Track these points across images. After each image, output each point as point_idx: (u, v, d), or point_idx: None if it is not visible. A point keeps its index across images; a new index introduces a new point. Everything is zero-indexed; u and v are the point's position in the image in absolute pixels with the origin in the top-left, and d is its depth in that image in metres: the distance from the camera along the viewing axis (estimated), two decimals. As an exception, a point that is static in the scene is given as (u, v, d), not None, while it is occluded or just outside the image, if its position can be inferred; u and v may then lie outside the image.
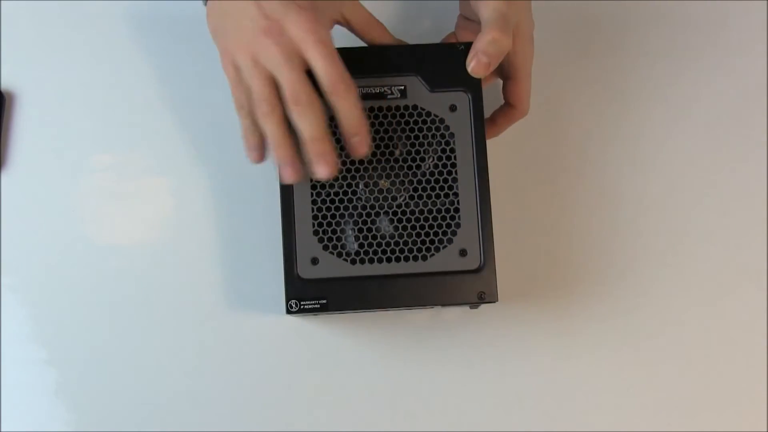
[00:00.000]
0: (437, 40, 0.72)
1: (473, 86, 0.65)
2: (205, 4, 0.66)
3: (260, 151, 0.63)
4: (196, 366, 0.67)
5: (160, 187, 0.72)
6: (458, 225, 0.63)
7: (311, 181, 0.63)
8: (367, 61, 0.66)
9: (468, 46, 0.65)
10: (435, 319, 0.69)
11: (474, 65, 0.64)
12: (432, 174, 0.64)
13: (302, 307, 0.61)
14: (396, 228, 0.63)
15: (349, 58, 0.63)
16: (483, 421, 0.67)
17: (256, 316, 0.69)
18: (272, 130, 0.60)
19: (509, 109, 0.70)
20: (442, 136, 0.65)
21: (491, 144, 0.66)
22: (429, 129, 0.65)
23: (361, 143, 0.61)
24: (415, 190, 0.64)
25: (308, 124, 0.60)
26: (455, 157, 0.64)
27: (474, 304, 0.63)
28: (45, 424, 0.65)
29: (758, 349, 0.69)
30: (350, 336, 0.69)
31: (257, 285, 0.68)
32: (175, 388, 0.67)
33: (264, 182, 0.71)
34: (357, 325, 0.69)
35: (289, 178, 0.61)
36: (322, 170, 0.60)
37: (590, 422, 0.67)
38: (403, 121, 0.65)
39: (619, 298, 0.70)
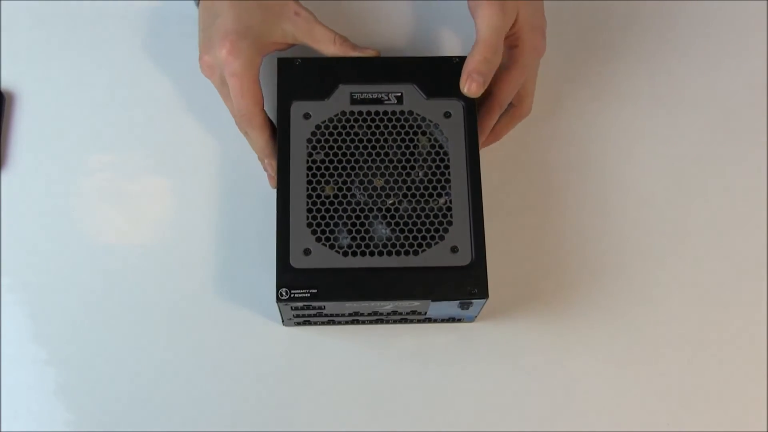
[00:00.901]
0: (436, 42, 0.73)
1: (467, 95, 0.67)
2: (197, 5, 0.68)
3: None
4: (196, 366, 0.67)
5: (159, 187, 0.72)
6: (450, 223, 0.64)
7: (308, 176, 0.64)
8: (367, 70, 0.68)
9: (462, 59, 0.67)
10: (429, 324, 0.69)
11: (468, 87, 0.65)
12: (426, 174, 0.65)
13: (293, 295, 0.62)
14: (389, 224, 0.64)
15: (350, 65, 0.67)
16: (481, 423, 0.67)
17: (257, 318, 0.69)
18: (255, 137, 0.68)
19: (511, 108, 0.70)
20: (437, 140, 0.66)
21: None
22: (424, 133, 0.66)
23: (270, 167, 0.69)
24: (409, 188, 0.65)
25: (251, 143, 0.69)
26: (449, 159, 0.66)
27: (464, 302, 0.63)
28: (45, 424, 0.66)
29: (758, 349, 0.69)
30: (346, 341, 0.69)
31: (258, 286, 0.68)
32: (175, 388, 0.67)
33: (264, 182, 0.71)
34: (354, 331, 0.69)
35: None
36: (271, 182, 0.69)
37: (588, 422, 0.67)
38: (399, 125, 0.66)
39: (616, 297, 0.70)
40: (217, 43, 0.65)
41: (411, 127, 0.67)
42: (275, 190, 0.64)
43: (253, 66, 0.65)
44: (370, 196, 0.65)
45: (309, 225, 0.63)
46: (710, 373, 0.69)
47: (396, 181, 0.65)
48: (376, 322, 0.68)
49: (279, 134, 0.66)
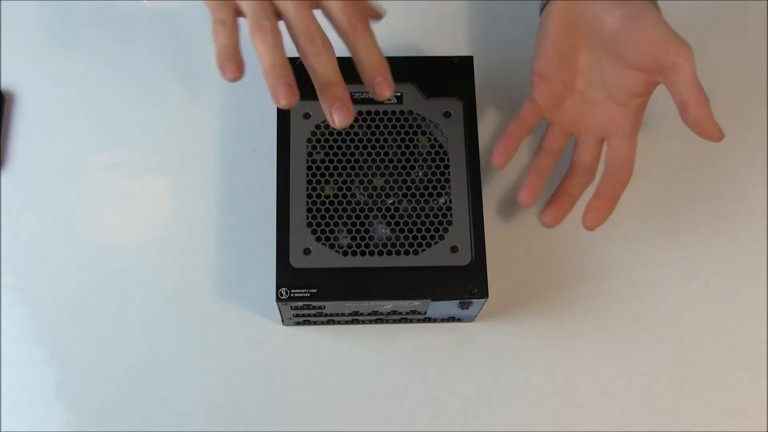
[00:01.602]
0: (436, 42, 0.73)
1: (467, 95, 0.67)
2: None
3: (239, 63, 0.55)
4: (196, 366, 0.68)
5: (159, 186, 0.73)
6: (450, 223, 0.64)
7: (308, 176, 0.64)
8: None
9: (461, 59, 0.67)
10: (429, 324, 0.69)
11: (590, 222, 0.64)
12: (425, 174, 0.65)
13: (292, 295, 0.62)
14: (389, 224, 0.64)
15: (349, 66, 0.64)
16: (481, 423, 0.67)
17: (257, 318, 0.69)
18: (269, 50, 0.55)
19: (618, 171, 0.65)
20: (436, 140, 0.66)
21: (485, 144, 0.67)
22: (423, 133, 0.66)
23: (383, 84, 0.56)
24: (409, 188, 0.65)
25: (321, 65, 0.55)
26: (448, 159, 0.66)
27: (464, 302, 0.63)
28: (45, 424, 0.66)
29: (758, 349, 0.69)
30: (346, 340, 0.69)
31: (258, 286, 0.68)
32: (175, 387, 0.67)
33: (263, 182, 0.71)
34: (354, 330, 0.69)
35: (285, 98, 0.55)
36: (340, 119, 0.55)
37: (588, 422, 0.67)
38: (398, 125, 0.67)
39: (615, 297, 0.71)
40: None
41: (411, 127, 0.67)
42: (275, 190, 0.64)
43: None
44: (370, 196, 0.65)
45: (309, 225, 0.64)
46: (710, 373, 0.69)
47: (396, 181, 0.65)
48: (376, 321, 0.68)
49: (279, 134, 0.66)
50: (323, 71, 0.55)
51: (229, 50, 0.55)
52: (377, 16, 0.61)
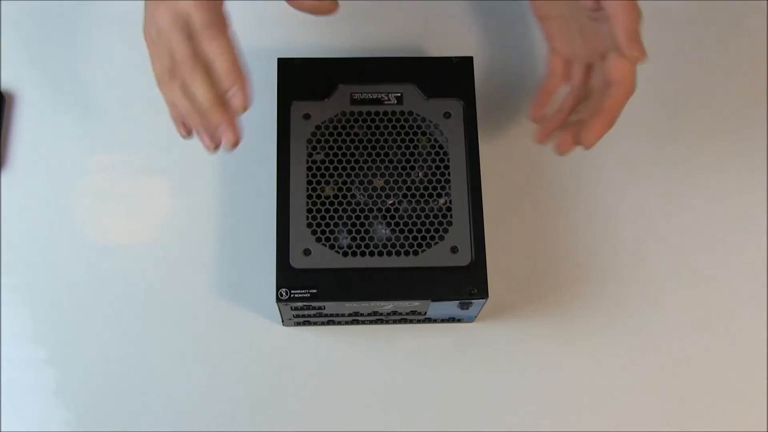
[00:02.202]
0: (436, 42, 0.73)
1: (467, 95, 0.67)
2: None
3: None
4: (196, 366, 0.68)
5: (159, 187, 0.73)
6: (450, 223, 0.64)
7: (308, 176, 0.64)
8: (366, 70, 0.68)
9: (461, 59, 0.67)
10: (429, 324, 0.69)
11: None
12: (425, 175, 0.65)
13: (292, 295, 0.62)
14: (389, 224, 0.64)
15: (349, 66, 0.68)
16: (481, 423, 0.67)
17: (257, 318, 0.69)
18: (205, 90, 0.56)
19: (615, 86, 0.63)
20: (437, 140, 0.66)
21: (485, 145, 0.67)
22: (424, 133, 0.66)
23: (240, 96, 0.56)
24: (409, 189, 0.65)
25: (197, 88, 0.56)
26: (448, 159, 0.66)
27: (464, 302, 0.63)
28: (45, 424, 0.66)
29: (758, 349, 0.69)
30: (346, 341, 0.69)
31: (258, 286, 0.68)
32: (176, 387, 0.67)
33: (263, 182, 0.71)
34: (354, 331, 0.69)
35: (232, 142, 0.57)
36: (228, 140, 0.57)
37: (588, 422, 0.67)
38: (399, 125, 0.66)
39: (615, 297, 0.71)
40: None
41: (411, 127, 0.67)
42: (275, 191, 0.64)
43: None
44: (370, 196, 0.65)
45: (309, 225, 0.63)
46: (710, 373, 0.69)
47: (396, 181, 0.65)
48: (376, 322, 0.68)
49: (279, 134, 0.66)
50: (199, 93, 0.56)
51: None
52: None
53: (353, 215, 0.64)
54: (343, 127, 0.66)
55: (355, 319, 0.67)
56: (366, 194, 0.65)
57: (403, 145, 0.66)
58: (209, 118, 0.57)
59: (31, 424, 0.66)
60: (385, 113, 0.67)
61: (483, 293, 0.63)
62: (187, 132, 0.60)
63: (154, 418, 0.66)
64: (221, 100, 0.56)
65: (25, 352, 0.67)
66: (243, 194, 0.72)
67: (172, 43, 0.56)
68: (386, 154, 0.66)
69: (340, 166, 0.65)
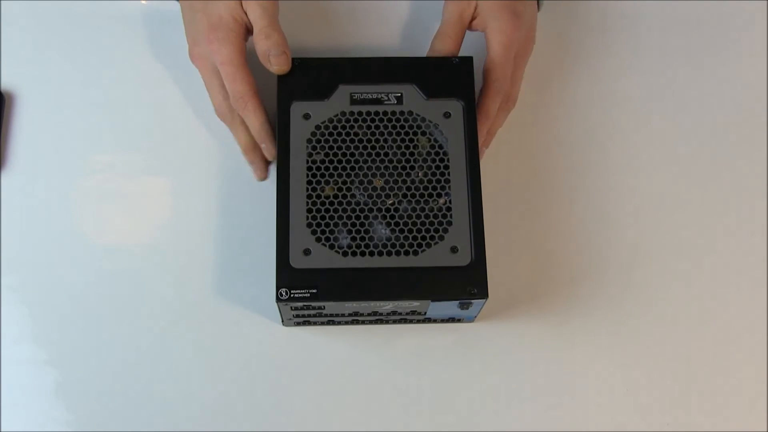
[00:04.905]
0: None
1: (467, 95, 0.67)
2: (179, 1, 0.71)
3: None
4: (196, 366, 0.68)
5: (159, 187, 0.73)
6: (450, 223, 0.64)
7: (308, 176, 0.64)
8: (367, 70, 0.68)
9: (461, 59, 0.67)
10: (429, 324, 0.69)
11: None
12: (425, 175, 0.65)
13: (292, 295, 0.62)
14: (389, 224, 0.64)
15: (349, 66, 0.67)
16: (481, 423, 0.67)
17: (257, 318, 0.69)
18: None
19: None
20: (436, 140, 0.66)
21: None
22: (423, 133, 0.66)
23: (267, 150, 0.70)
24: (409, 188, 0.65)
25: (236, 134, 0.71)
26: (448, 159, 0.66)
27: (464, 302, 0.63)
28: (45, 424, 0.66)
29: (758, 349, 0.69)
30: (346, 341, 0.69)
31: (258, 286, 0.68)
32: (175, 387, 0.67)
33: (263, 182, 0.71)
34: (354, 331, 0.69)
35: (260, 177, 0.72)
36: (255, 175, 0.72)
37: (588, 422, 0.67)
38: (398, 125, 0.66)
39: (615, 297, 0.71)
40: (203, 37, 0.67)
41: (411, 127, 0.67)
42: (275, 191, 0.64)
43: (241, 52, 0.67)
44: (370, 196, 0.65)
45: (309, 225, 0.63)
46: (710, 373, 0.69)
47: (396, 181, 0.65)
48: (376, 322, 0.68)
49: (279, 134, 0.66)
50: (238, 139, 0.71)
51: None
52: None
53: (353, 215, 0.64)
54: (343, 127, 0.66)
55: (355, 319, 0.67)
56: (366, 194, 0.65)
57: (402, 145, 0.66)
58: (248, 156, 0.71)
59: (31, 424, 0.66)
60: (385, 113, 0.67)
61: (483, 293, 0.63)
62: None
63: (154, 418, 0.66)
64: (255, 145, 0.71)
65: (25, 352, 0.67)
66: (243, 194, 0.72)
67: (212, 93, 0.70)
68: (386, 154, 0.66)
69: (339, 166, 0.65)
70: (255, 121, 0.68)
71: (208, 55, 0.67)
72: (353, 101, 0.67)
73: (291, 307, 0.64)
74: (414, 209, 0.64)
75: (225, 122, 0.71)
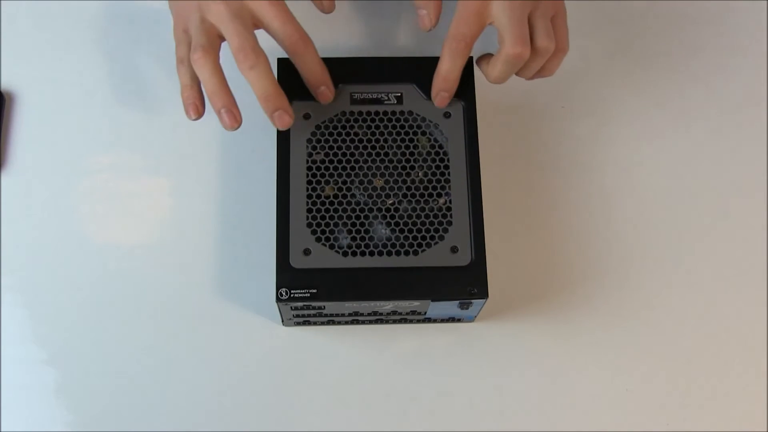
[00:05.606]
0: (436, 42, 0.72)
1: (467, 95, 0.67)
2: None
3: (197, 104, 0.63)
4: (196, 366, 0.68)
5: (159, 187, 0.73)
6: (450, 223, 0.64)
7: (308, 176, 0.64)
8: (366, 70, 0.68)
9: None
10: (429, 324, 0.69)
11: (438, 102, 0.66)
12: (426, 174, 0.65)
13: (292, 295, 0.62)
14: (389, 224, 0.64)
15: (349, 66, 0.67)
16: (481, 423, 0.67)
17: (257, 318, 0.69)
18: (207, 76, 0.61)
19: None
20: (437, 140, 0.66)
21: (484, 143, 0.67)
22: (423, 133, 0.66)
23: (326, 92, 0.65)
24: (409, 188, 0.65)
25: (258, 79, 0.60)
26: (448, 159, 0.66)
27: (464, 302, 0.63)
28: (45, 424, 0.66)
29: (758, 349, 0.69)
30: (346, 341, 0.69)
31: (258, 286, 0.68)
32: (175, 388, 0.67)
33: (263, 182, 0.71)
34: (354, 331, 0.69)
35: (230, 124, 0.61)
36: (281, 124, 0.61)
37: (588, 422, 0.67)
38: (399, 125, 0.66)
39: (615, 297, 0.71)
40: None
41: (411, 127, 0.67)
42: (275, 191, 0.64)
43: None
44: (370, 196, 0.65)
45: (309, 225, 0.63)
46: (710, 373, 0.69)
47: (396, 181, 0.65)
48: (376, 322, 0.68)
49: (279, 134, 0.66)
50: (259, 85, 0.60)
51: (189, 91, 0.63)
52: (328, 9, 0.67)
53: (353, 215, 0.64)
54: (343, 127, 0.66)
55: (355, 319, 0.67)
56: (366, 194, 0.65)
57: (402, 144, 0.66)
58: (271, 101, 0.61)
59: (31, 424, 0.66)
60: (385, 113, 0.67)
61: (483, 293, 0.63)
62: (198, 113, 0.63)
63: (154, 418, 0.66)
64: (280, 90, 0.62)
65: (25, 352, 0.67)
66: (243, 194, 0.72)
67: (228, 31, 0.61)
68: (386, 154, 0.66)
69: (340, 166, 0.65)
70: (315, 57, 0.63)
71: (242, 5, 0.61)
72: (353, 101, 0.67)
73: (291, 307, 0.64)
74: (414, 209, 0.65)
75: (246, 63, 0.60)
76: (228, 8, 0.61)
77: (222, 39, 0.62)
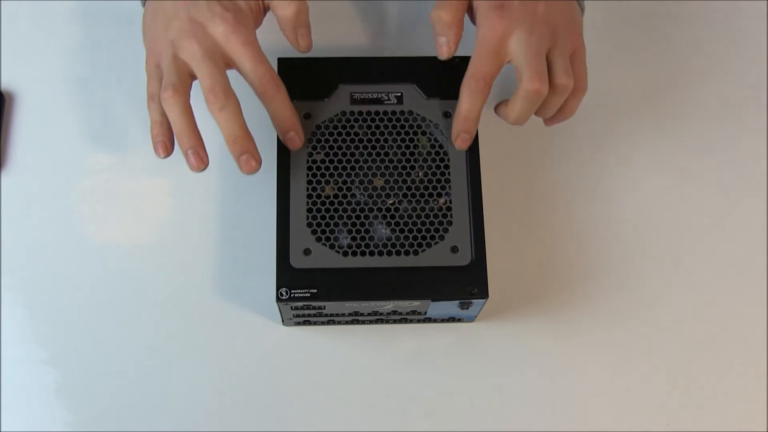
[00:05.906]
0: (433, 44, 0.73)
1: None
2: (143, 5, 0.67)
3: (165, 143, 0.62)
4: (196, 366, 0.68)
5: (159, 187, 0.72)
6: (450, 223, 0.64)
7: (308, 176, 0.64)
8: (367, 70, 0.68)
9: (461, 59, 0.66)
10: (429, 324, 0.69)
11: (459, 144, 0.65)
12: (426, 174, 0.65)
13: (292, 295, 0.62)
14: (389, 224, 0.64)
15: (349, 66, 0.68)
16: (481, 423, 0.67)
17: (257, 318, 0.69)
18: (175, 116, 0.60)
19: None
20: (437, 140, 0.66)
21: (484, 145, 0.67)
22: (423, 133, 0.66)
23: (294, 139, 0.64)
24: (409, 188, 0.65)
25: (226, 121, 0.60)
26: (448, 159, 0.66)
27: (464, 302, 0.63)
28: (45, 424, 0.66)
29: (758, 349, 0.69)
30: (346, 341, 0.69)
31: (258, 286, 0.68)
32: (175, 388, 0.67)
33: (263, 182, 0.71)
34: (354, 331, 0.69)
35: (196, 166, 0.61)
36: (247, 169, 0.61)
37: (588, 422, 0.67)
38: (399, 125, 0.67)
39: (616, 297, 0.71)
40: (208, 23, 0.61)
41: (411, 127, 0.67)
42: (275, 191, 0.64)
43: (254, 34, 0.63)
44: (370, 196, 0.65)
45: (309, 225, 0.63)
46: (710, 373, 0.69)
47: (396, 181, 0.65)
48: (376, 322, 0.68)
49: None
50: (227, 126, 0.60)
51: (159, 128, 0.62)
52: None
53: (353, 215, 0.64)
54: (343, 127, 0.66)
55: (355, 319, 0.67)
56: (366, 194, 0.65)
57: (403, 144, 0.66)
58: (238, 146, 0.61)
59: (31, 424, 0.66)
60: (385, 113, 0.67)
61: (483, 293, 0.63)
62: (167, 151, 0.63)
63: (154, 418, 0.66)
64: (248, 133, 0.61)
65: (25, 352, 0.67)
66: (243, 194, 0.72)
67: (200, 71, 0.61)
68: (386, 154, 0.66)
69: (340, 166, 0.65)
70: (286, 100, 0.62)
71: (214, 45, 0.61)
72: (353, 101, 0.67)
73: (291, 307, 0.64)
74: (414, 209, 0.65)
75: (216, 104, 0.60)
76: (201, 48, 0.60)
77: (193, 77, 0.62)
